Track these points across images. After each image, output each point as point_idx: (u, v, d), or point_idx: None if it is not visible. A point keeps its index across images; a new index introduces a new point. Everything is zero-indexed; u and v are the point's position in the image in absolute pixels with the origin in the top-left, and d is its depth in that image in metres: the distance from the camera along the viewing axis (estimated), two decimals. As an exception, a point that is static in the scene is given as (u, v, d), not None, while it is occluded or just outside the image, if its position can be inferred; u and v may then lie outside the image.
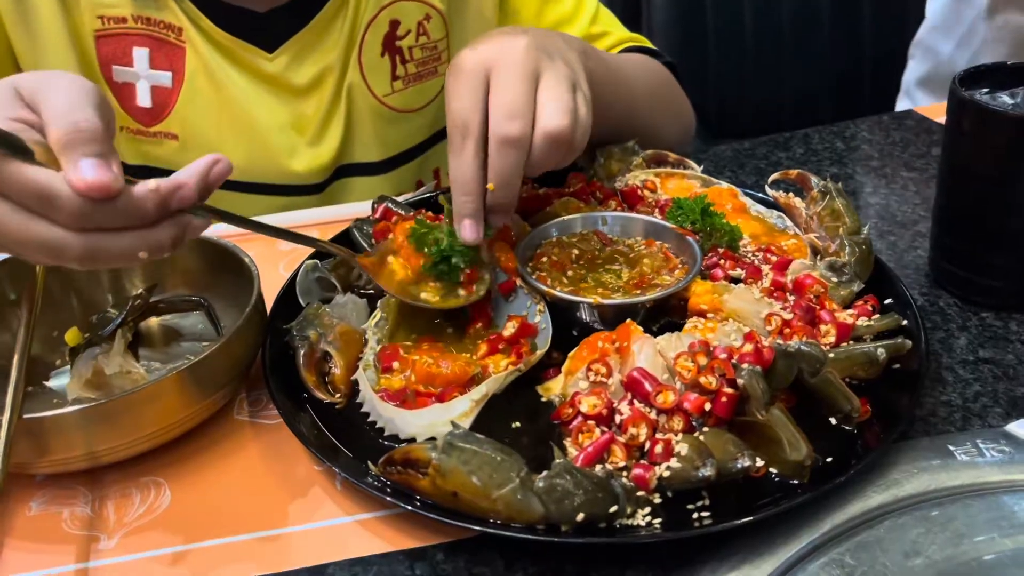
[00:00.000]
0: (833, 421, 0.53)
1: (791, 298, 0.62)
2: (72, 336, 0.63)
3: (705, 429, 0.51)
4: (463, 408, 0.53)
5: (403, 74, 0.90)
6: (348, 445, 0.53)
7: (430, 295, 0.61)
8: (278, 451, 0.56)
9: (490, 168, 0.58)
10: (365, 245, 0.71)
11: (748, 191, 0.75)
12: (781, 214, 0.73)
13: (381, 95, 0.89)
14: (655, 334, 0.58)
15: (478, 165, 0.59)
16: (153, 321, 0.66)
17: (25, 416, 0.49)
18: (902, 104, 1.48)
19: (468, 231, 0.59)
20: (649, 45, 0.95)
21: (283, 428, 0.56)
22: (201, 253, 0.66)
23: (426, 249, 0.61)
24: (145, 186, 0.46)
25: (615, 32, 0.94)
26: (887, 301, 0.63)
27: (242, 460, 0.56)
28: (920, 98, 1.42)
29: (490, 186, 0.59)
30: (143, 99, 0.85)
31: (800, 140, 0.93)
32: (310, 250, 0.69)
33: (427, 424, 0.53)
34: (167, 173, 0.86)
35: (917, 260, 0.72)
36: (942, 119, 0.96)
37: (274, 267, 0.74)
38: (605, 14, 0.95)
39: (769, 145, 0.92)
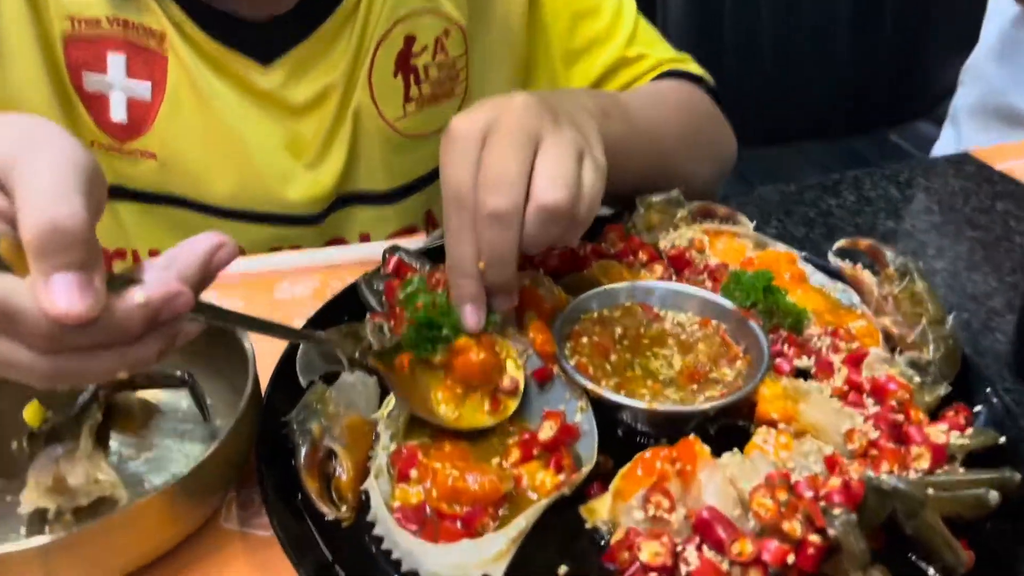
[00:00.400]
0: (931, 572, 0.45)
1: (869, 401, 0.54)
2: (31, 413, 0.53)
3: (786, 585, 0.42)
4: (498, 548, 0.44)
5: (416, 96, 0.80)
6: (357, 579, 0.45)
7: (448, 409, 0.53)
8: (274, 574, 0.47)
9: (480, 245, 0.51)
10: (375, 304, 0.62)
11: (808, 257, 0.67)
12: (846, 287, 0.64)
13: (391, 119, 0.80)
14: (713, 441, 0.49)
15: (473, 239, 0.51)
16: (124, 395, 0.56)
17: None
18: (947, 132, 1.40)
19: (469, 317, 0.53)
20: (691, 68, 0.86)
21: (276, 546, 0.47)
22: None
23: (408, 309, 0.54)
24: (131, 300, 0.38)
25: (653, 53, 0.85)
26: (976, 409, 0.55)
27: (229, 586, 0.47)
28: (967, 126, 1.34)
29: (481, 265, 0.51)
30: (117, 112, 0.75)
31: (851, 184, 0.85)
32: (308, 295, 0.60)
33: (454, 564, 0.44)
34: (143, 195, 0.79)
35: (995, 346, 0.64)
36: (1001, 165, 0.88)
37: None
38: (644, 31, 0.86)
39: (817, 190, 0.84)
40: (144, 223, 0.80)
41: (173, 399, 0.56)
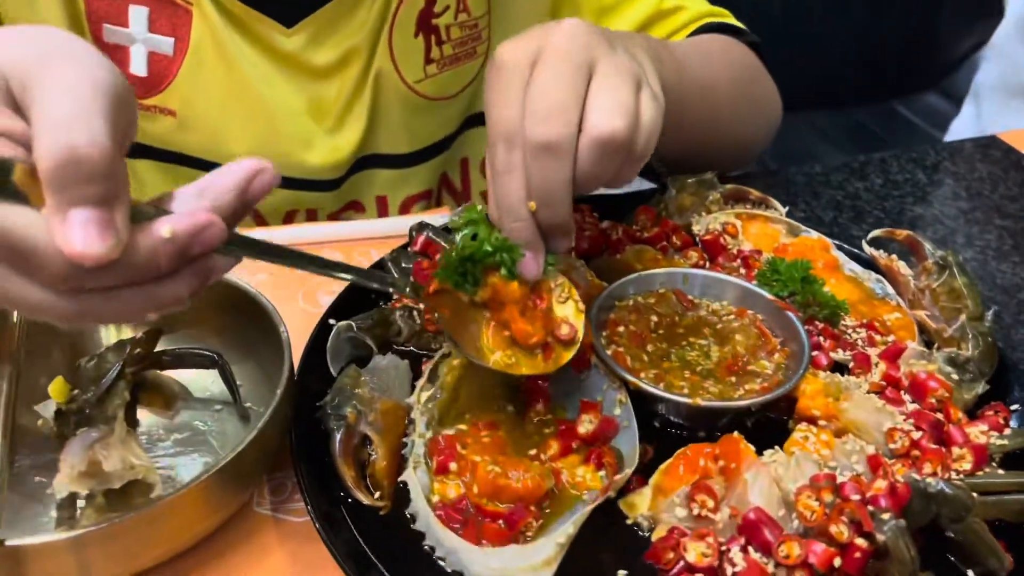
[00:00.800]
0: (970, 574, 0.45)
1: (907, 398, 0.53)
2: (57, 389, 0.52)
3: (831, 588, 0.42)
4: (546, 554, 0.43)
5: (438, 57, 0.78)
6: (401, 572, 0.44)
7: (503, 356, 0.51)
8: (308, 563, 0.47)
9: (529, 182, 0.47)
10: (402, 288, 0.61)
11: (841, 244, 0.66)
12: (880, 278, 0.64)
13: (412, 81, 0.78)
14: (750, 436, 0.49)
15: (522, 178, 0.48)
16: (153, 373, 0.55)
17: (6, 543, 0.39)
18: (968, 108, 1.40)
19: (530, 263, 0.49)
20: (732, 20, 0.82)
21: (309, 531, 0.46)
22: (212, 290, 0.55)
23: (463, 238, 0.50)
24: (157, 234, 0.35)
25: (692, 6, 0.81)
26: (1014, 407, 0.54)
27: (264, 571, 0.46)
28: (988, 103, 1.33)
29: (531, 204, 0.48)
30: (138, 66, 0.73)
31: (877, 167, 0.84)
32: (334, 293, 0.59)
33: (501, 567, 0.43)
34: (160, 153, 0.77)
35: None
36: (1029, 148, 0.87)
37: (292, 298, 0.64)
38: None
39: (844, 172, 0.83)
40: (162, 181, 0.78)
41: (201, 379, 0.55)
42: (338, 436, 0.49)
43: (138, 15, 0.71)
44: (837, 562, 0.42)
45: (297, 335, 0.53)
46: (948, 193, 0.81)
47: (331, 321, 0.56)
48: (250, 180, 0.39)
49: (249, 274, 0.56)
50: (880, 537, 0.42)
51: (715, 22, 0.80)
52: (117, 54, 0.72)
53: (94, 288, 0.35)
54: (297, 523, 0.49)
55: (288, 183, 0.78)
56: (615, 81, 0.47)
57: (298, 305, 0.64)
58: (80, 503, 0.47)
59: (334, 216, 0.81)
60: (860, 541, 0.42)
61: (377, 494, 0.48)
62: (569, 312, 0.51)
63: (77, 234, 0.32)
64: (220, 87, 0.73)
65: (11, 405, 0.46)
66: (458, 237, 0.50)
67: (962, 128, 1.42)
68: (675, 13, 0.80)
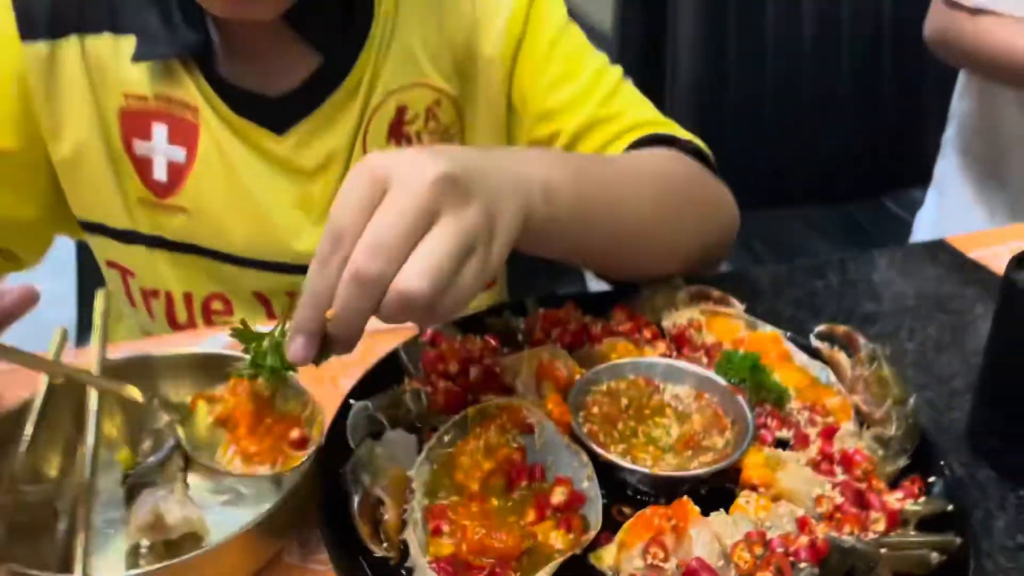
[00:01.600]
0: (881, 618, 0.54)
1: (838, 470, 0.63)
2: (124, 458, 0.63)
3: (759, 626, 0.51)
4: (524, 592, 0.53)
5: None
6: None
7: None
8: (329, 605, 0.56)
9: (335, 297, 0.52)
10: (412, 370, 0.72)
11: (792, 337, 0.76)
12: (824, 366, 0.74)
13: None
14: (703, 501, 0.58)
15: (330, 283, 0.52)
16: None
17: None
18: (931, 196, 1.54)
19: (298, 348, 0.53)
20: (673, 131, 0.88)
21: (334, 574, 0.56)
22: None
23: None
24: None
25: (630, 113, 0.88)
26: (930, 479, 0.63)
27: (293, 612, 0.56)
28: (948, 191, 1.47)
29: (329, 313, 0.52)
30: (159, 173, 0.87)
31: (836, 267, 0.95)
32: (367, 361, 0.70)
33: (486, 607, 0.53)
34: (174, 244, 0.90)
35: (956, 424, 0.73)
36: (974, 253, 0.98)
37: (320, 382, 0.74)
38: (626, 92, 0.91)
39: (805, 272, 0.94)
40: (178, 268, 0.91)
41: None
42: (356, 499, 0.59)
43: (159, 131, 0.86)
44: (763, 604, 0.51)
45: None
46: (898, 291, 0.91)
47: (351, 401, 0.67)
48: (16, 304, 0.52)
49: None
50: (798, 581, 0.51)
51: (656, 133, 0.87)
52: (144, 164, 0.87)
53: None
54: (321, 571, 0.59)
55: (282, 268, 0.90)
56: (444, 242, 0.51)
57: (324, 387, 0.74)
58: (143, 551, 0.57)
59: None
60: (782, 585, 0.52)
61: (385, 545, 0.58)
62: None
63: None
64: (222, 186, 0.87)
65: (93, 472, 0.57)
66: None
67: (927, 215, 1.55)
68: (614, 119, 0.87)
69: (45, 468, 0.61)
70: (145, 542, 0.56)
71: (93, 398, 0.61)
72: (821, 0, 1.84)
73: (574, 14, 0.96)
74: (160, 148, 0.86)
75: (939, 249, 0.99)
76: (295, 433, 0.58)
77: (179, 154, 0.87)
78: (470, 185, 0.54)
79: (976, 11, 1.29)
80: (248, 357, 0.58)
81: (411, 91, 0.89)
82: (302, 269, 0.90)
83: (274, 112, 0.86)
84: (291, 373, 0.58)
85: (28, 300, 0.55)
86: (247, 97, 0.86)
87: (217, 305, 0.93)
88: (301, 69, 0.86)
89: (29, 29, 0.82)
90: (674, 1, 1.81)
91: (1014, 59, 1.22)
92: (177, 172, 0.87)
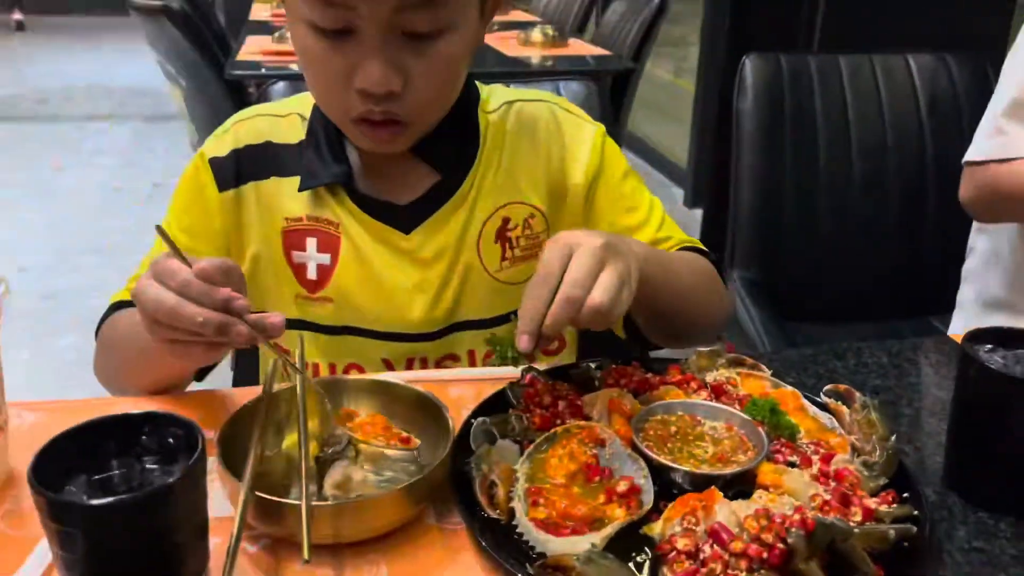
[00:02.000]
0: (854, 578, 0.75)
1: (832, 484, 0.84)
2: (313, 448, 0.89)
3: (762, 571, 0.73)
4: (596, 540, 0.76)
5: (511, 256, 1.17)
6: (511, 554, 0.77)
7: None
8: (457, 553, 0.80)
9: (550, 312, 0.84)
10: (515, 403, 0.97)
11: (807, 395, 0.99)
12: (831, 416, 0.96)
13: (492, 271, 1.16)
14: (731, 499, 0.81)
15: (545, 303, 0.85)
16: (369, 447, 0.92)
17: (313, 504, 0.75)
18: (956, 319, 1.72)
19: (524, 342, 0.84)
20: (700, 245, 1.22)
21: (461, 534, 0.80)
22: (409, 401, 0.92)
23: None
24: None
25: (675, 236, 1.21)
26: (905, 495, 0.84)
27: (432, 557, 0.80)
28: (968, 314, 1.65)
29: (546, 323, 0.84)
30: (311, 274, 1.15)
31: (854, 352, 1.17)
32: (478, 399, 0.96)
33: (568, 545, 0.76)
34: (324, 327, 1.22)
35: (936, 465, 0.94)
36: (971, 346, 1.19)
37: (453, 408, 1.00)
38: (669, 222, 1.23)
39: (828, 354, 1.16)
40: (324, 345, 1.18)
41: (399, 453, 0.91)
42: (477, 480, 0.83)
43: (311, 243, 1.14)
44: (765, 555, 0.73)
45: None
46: (903, 372, 1.13)
47: (473, 419, 0.92)
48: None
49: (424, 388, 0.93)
50: (790, 540, 0.73)
51: (689, 245, 1.20)
52: (300, 268, 1.15)
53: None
54: (452, 529, 0.82)
55: (399, 337, 1.16)
56: (612, 278, 0.84)
57: (458, 413, 0.99)
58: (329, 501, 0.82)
59: (438, 363, 1.18)
60: (780, 545, 0.73)
61: (497, 512, 0.81)
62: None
63: None
64: (359, 277, 1.14)
65: (304, 455, 0.83)
66: None
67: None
68: (666, 240, 1.20)
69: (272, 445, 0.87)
70: (337, 494, 0.81)
71: (301, 408, 0.88)
72: (867, 137, 2.10)
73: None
74: (312, 256, 1.15)
75: (944, 342, 1.20)
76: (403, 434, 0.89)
77: (326, 259, 1.15)
78: (618, 249, 0.87)
79: (1005, 160, 1.46)
80: None
81: (513, 207, 1.17)
82: (416, 336, 1.23)
83: (402, 217, 1.12)
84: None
85: (272, 329, 0.83)
86: (381, 206, 1.11)
87: (353, 373, 1.20)
88: (424, 184, 1.12)
89: (223, 183, 1.15)
90: (738, 141, 2.09)
91: None
92: (325, 272, 1.15)
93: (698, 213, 4.41)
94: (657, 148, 5.89)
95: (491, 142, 1.15)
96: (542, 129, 1.18)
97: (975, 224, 1.72)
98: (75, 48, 9.01)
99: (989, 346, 0.89)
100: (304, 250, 1.14)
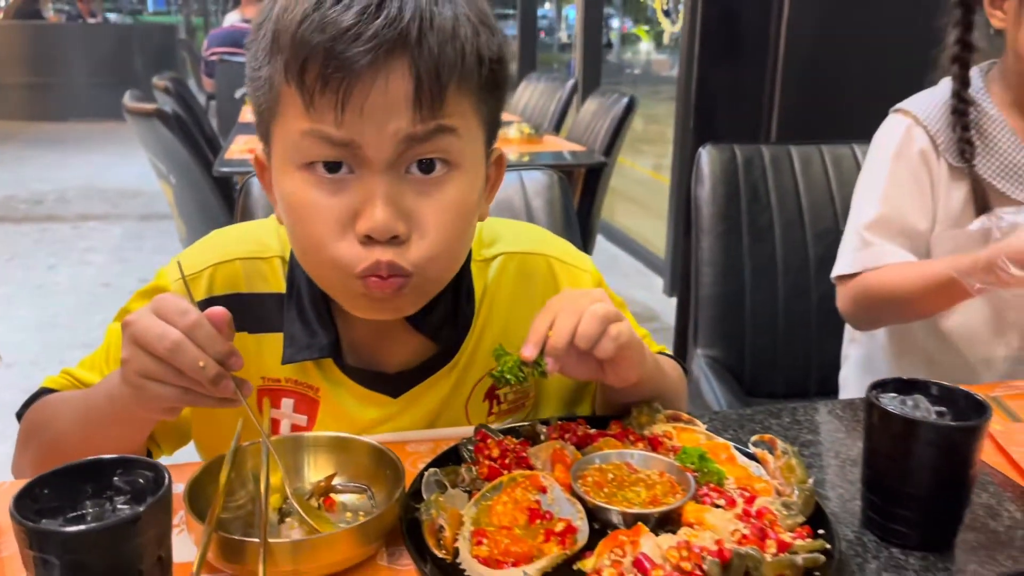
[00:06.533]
0: (767, 605, 0.82)
1: (754, 521, 0.91)
2: (275, 502, 0.96)
3: (682, 597, 0.80)
4: (530, 571, 0.83)
5: (496, 411, 1.20)
6: (454, 585, 0.84)
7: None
8: (406, 587, 0.87)
9: (554, 327, 0.94)
10: (467, 458, 1.04)
11: (737, 446, 1.07)
12: (759, 464, 1.04)
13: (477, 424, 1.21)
14: (657, 535, 0.88)
15: (549, 324, 0.95)
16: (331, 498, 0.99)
17: (271, 541, 0.81)
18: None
19: (529, 350, 0.94)
20: (669, 352, 1.31)
21: (410, 574, 0.87)
22: (366, 454, 1.00)
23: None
24: None
25: (652, 345, 1.27)
26: (820, 531, 0.92)
27: (382, 590, 0.86)
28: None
29: (550, 334, 0.95)
30: (284, 431, 1.12)
31: (788, 412, 1.26)
32: (427, 460, 1.03)
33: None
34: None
35: (855, 507, 1.01)
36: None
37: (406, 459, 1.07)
38: (646, 334, 1.28)
39: (765, 413, 1.25)
40: None
41: (355, 498, 0.98)
42: (426, 523, 0.90)
43: (287, 403, 1.10)
44: (684, 583, 0.80)
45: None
46: (831, 428, 1.21)
47: (426, 470, 0.99)
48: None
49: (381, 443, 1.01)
50: (706, 567, 0.80)
51: (662, 351, 1.29)
52: (274, 424, 1.09)
53: None
54: (403, 569, 0.89)
55: None
56: (620, 326, 0.96)
57: (412, 465, 1.07)
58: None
59: None
60: (697, 572, 0.80)
61: (443, 552, 0.88)
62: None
63: None
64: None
65: (266, 504, 0.90)
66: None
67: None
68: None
69: (237, 497, 0.94)
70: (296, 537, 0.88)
71: (265, 463, 0.95)
72: (818, 222, 2.22)
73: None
74: (287, 414, 1.10)
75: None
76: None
77: (302, 420, 1.10)
78: (619, 311, 0.99)
79: (875, 268, 1.55)
80: None
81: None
82: None
83: (391, 384, 1.10)
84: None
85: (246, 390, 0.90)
86: (369, 375, 1.09)
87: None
88: (417, 353, 1.10)
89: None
90: (697, 226, 2.22)
91: (927, 282, 1.46)
92: (299, 431, 1.10)
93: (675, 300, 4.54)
94: (637, 239, 6.11)
95: (487, 307, 1.15)
96: (539, 283, 1.18)
97: (846, 334, 1.84)
98: (69, 152, 9.26)
99: (892, 394, 0.98)
100: (279, 407, 1.11)
